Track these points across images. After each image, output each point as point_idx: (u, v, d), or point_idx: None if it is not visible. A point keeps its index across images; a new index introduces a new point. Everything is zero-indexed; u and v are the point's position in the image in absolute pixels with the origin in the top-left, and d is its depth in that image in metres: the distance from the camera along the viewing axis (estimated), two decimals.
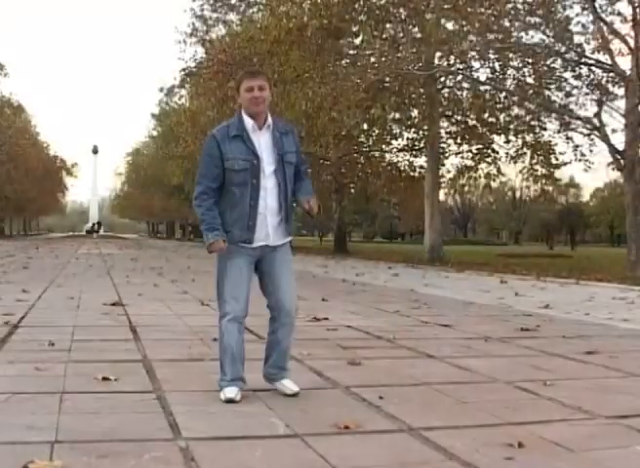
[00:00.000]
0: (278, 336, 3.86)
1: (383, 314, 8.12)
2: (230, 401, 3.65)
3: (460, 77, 21.96)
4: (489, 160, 24.32)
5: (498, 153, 24.12)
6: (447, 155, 25.83)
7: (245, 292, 3.76)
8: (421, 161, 27.78)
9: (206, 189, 3.74)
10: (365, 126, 25.72)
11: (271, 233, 3.76)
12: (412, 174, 29.27)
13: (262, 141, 3.75)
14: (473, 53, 19.14)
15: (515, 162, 23.75)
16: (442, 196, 43.71)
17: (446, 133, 25.28)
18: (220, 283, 3.80)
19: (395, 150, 29.22)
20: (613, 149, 17.08)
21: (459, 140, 24.77)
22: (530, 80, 19.57)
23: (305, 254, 29.48)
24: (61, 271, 15.00)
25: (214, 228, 3.69)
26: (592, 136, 18.75)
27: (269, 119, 3.79)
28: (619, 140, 17.87)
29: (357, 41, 22.71)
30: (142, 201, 70.93)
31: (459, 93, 23.33)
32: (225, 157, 3.68)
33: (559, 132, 20.61)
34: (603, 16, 17.17)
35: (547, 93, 19.56)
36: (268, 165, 3.73)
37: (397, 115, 25.08)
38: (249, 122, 3.75)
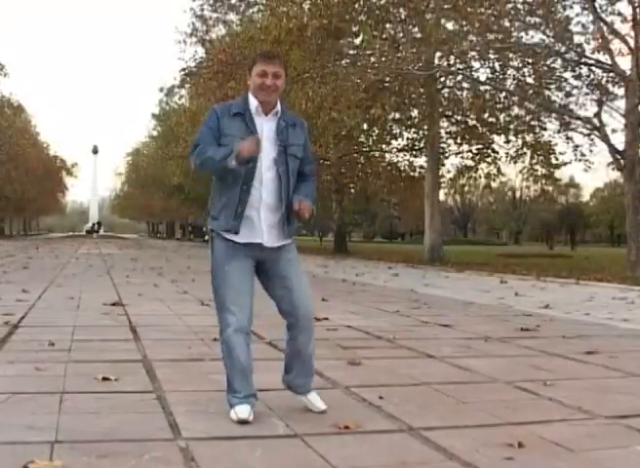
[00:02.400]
0: (299, 344, 3.48)
1: (383, 314, 8.12)
2: (243, 422, 3.26)
3: (460, 77, 21.96)
4: (489, 160, 24.34)
5: (498, 153, 24.16)
6: (447, 155, 25.85)
7: (249, 297, 3.38)
8: (421, 161, 27.82)
9: (204, 144, 3.37)
10: (365, 126, 25.71)
11: (266, 231, 3.37)
12: (412, 174, 29.28)
13: (266, 128, 3.39)
14: (473, 53, 19.13)
15: (515, 162, 23.77)
16: (442, 196, 43.71)
17: (446, 133, 25.29)
18: (218, 290, 3.40)
19: (395, 150, 29.23)
20: (613, 149, 17.07)
21: (459, 140, 24.77)
22: (530, 80, 19.57)
23: (305, 254, 29.49)
24: (61, 271, 15.00)
25: (228, 148, 3.28)
26: (592, 136, 18.76)
27: (278, 106, 3.44)
28: (619, 140, 17.88)
29: (357, 41, 22.70)
30: (142, 201, 70.99)
31: (459, 93, 23.34)
32: (223, 133, 3.35)
33: (559, 132, 20.62)
34: (603, 16, 17.17)
35: (547, 93, 19.56)
36: (267, 155, 3.36)
37: (397, 115, 25.08)
38: (253, 103, 3.42)
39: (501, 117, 23.10)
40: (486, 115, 22.73)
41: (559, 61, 18.69)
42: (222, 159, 3.25)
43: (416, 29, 20.21)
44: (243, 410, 3.28)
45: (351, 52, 22.50)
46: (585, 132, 18.92)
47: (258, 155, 3.28)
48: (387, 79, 19.93)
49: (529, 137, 22.89)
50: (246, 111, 3.41)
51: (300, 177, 3.52)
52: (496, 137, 24.01)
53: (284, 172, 3.39)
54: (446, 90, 23.49)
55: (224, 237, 3.40)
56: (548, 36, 17.82)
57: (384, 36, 20.84)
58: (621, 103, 17.36)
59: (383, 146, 29.11)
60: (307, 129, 3.61)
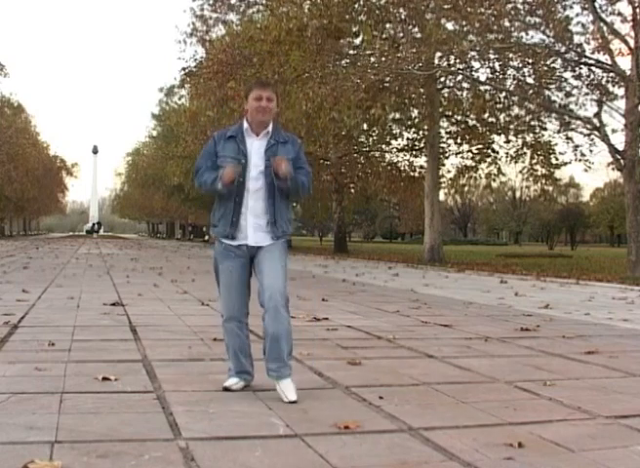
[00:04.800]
0: (266, 325, 3.80)
1: (383, 314, 8.12)
2: (226, 389, 3.91)
3: (460, 77, 21.93)
4: (489, 160, 24.34)
5: (498, 153, 24.15)
6: (447, 155, 25.86)
7: (237, 293, 3.92)
8: (421, 161, 27.82)
9: (204, 168, 3.98)
10: (365, 126, 25.70)
11: (250, 233, 3.89)
12: (412, 174, 29.29)
13: (256, 146, 3.92)
14: (473, 53, 19.09)
15: (515, 162, 23.77)
16: (442, 196, 43.70)
17: (446, 133, 25.29)
18: (217, 286, 4.03)
19: (395, 150, 29.24)
20: (613, 149, 17.05)
21: (459, 140, 24.78)
22: (530, 80, 19.54)
23: (305, 254, 29.50)
24: (61, 271, 15.00)
25: (216, 172, 3.88)
26: (592, 136, 18.72)
27: (269, 128, 3.95)
28: (619, 140, 17.84)
29: (357, 41, 22.70)
30: (142, 201, 70.95)
31: (459, 93, 23.32)
32: (218, 155, 3.94)
33: (559, 132, 20.58)
34: (603, 16, 17.14)
35: (547, 93, 19.53)
36: (255, 167, 3.88)
37: (397, 115, 25.07)
38: (246, 126, 3.96)
39: (501, 117, 23.09)
40: (486, 115, 22.71)
41: (559, 61, 18.64)
42: (213, 182, 3.87)
43: (416, 29, 20.17)
44: (229, 381, 3.95)
45: (351, 52, 22.48)
46: (585, 132, 18.89)
47: (237, 178, 3.83)
48: (387, 79, 19.90)
49: (529, 137, 22.89)
50: (238, 133, 3.97)
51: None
52: (496, 137, 24.02)
53: (270, 183, 3.87)
54: (446, 90, 23.48)
55: (221, 241, 3.98)
56: (548, 36, 17.79)
57: (384, 36, 20.82)
58: (621, 103, 17.35)
59: (383, 146, 29.12)
60: (300, 145, 4.10)
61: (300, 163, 3.98)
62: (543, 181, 24.39)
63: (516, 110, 22.41)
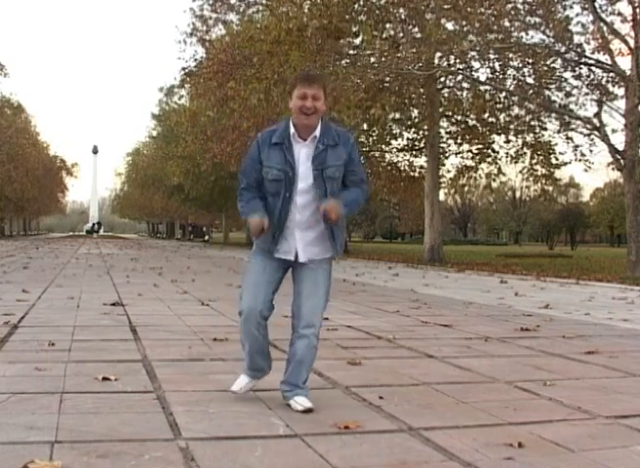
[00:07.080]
0: (294, 348, 3.63)
1: (383, 314, 8.12)
2: (232, 391, 3.76)
3: (460, 77, 21.95)
4: (489, 160, 24.36)
5: (498, 153, 24.18)
6: (447, 155, 25.87)
7: (263, 290, 3.57)
8: (421, 161, 27.81)
9: (247, 186, 3.62)
10: (365, 126, 25.70)
11: (301, 249, 3.58)
12: (412, 174, 29.27)
13: (303, 154, 3.53)
14: (473, 53, 19.10)
15: (515, 162, 23.79)
16: (442, 196, 43.73)
17: (446, 133, 25.30)
18: (244, 279, 3.72)
19: (395, 150, 29.23)
20: (613, 149, 17.05)
21: (459, 140, 24.79)
22: (530, 80, 19.55)
23: None
24: (61, 271, 15.00)
25: (254, 211, 3.52)
26: (592, 136, 18.74)
27: (317, 131, 3.54)
28: (619, 140, 17.86)
29: (357, 41, 22.70)
30: (142, 201, 70.98)
31: (459, 93, 23.33)
32: (263, 164, 3.54)
33: (559, 132, 20.61)
34: (603, 16, 17.15)
35: (547, 93, 19.55)
36: (303, 179, 3.52)
37: (397, 115, 25.08)
38: (292, 131, 3.54)
39: (501, 117, 23.11)
40: (486, 115, 22.73)
41: (559, 61, 18.66)
42: (245, 217, 3.60)
43: (416, 29, 20.16)
44: (237, 382, 3.78)
45: (351, 52, 22.47)
46: (585, 132, 18.90)
47: (265, 228, 3.50)
48: (387, 79, 19.91)
49: (529, 137, 22.91)
50: (285, 140, 3.53)
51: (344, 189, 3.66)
52: (496, 137, 24.04)
53: (322, 194, 3.53)
54: (446, 90, 23.49)
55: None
56: (548, 36, 17.79)
57: (384, 36, 20.83)
58: (621, 103, 17.36)
59: (383, 146, 29.10)
60: (353, 143, 3.68)
61: (352, 166, 3.61)
62: (543, 181, 24.42)
63: (516, 110, 22.45)
